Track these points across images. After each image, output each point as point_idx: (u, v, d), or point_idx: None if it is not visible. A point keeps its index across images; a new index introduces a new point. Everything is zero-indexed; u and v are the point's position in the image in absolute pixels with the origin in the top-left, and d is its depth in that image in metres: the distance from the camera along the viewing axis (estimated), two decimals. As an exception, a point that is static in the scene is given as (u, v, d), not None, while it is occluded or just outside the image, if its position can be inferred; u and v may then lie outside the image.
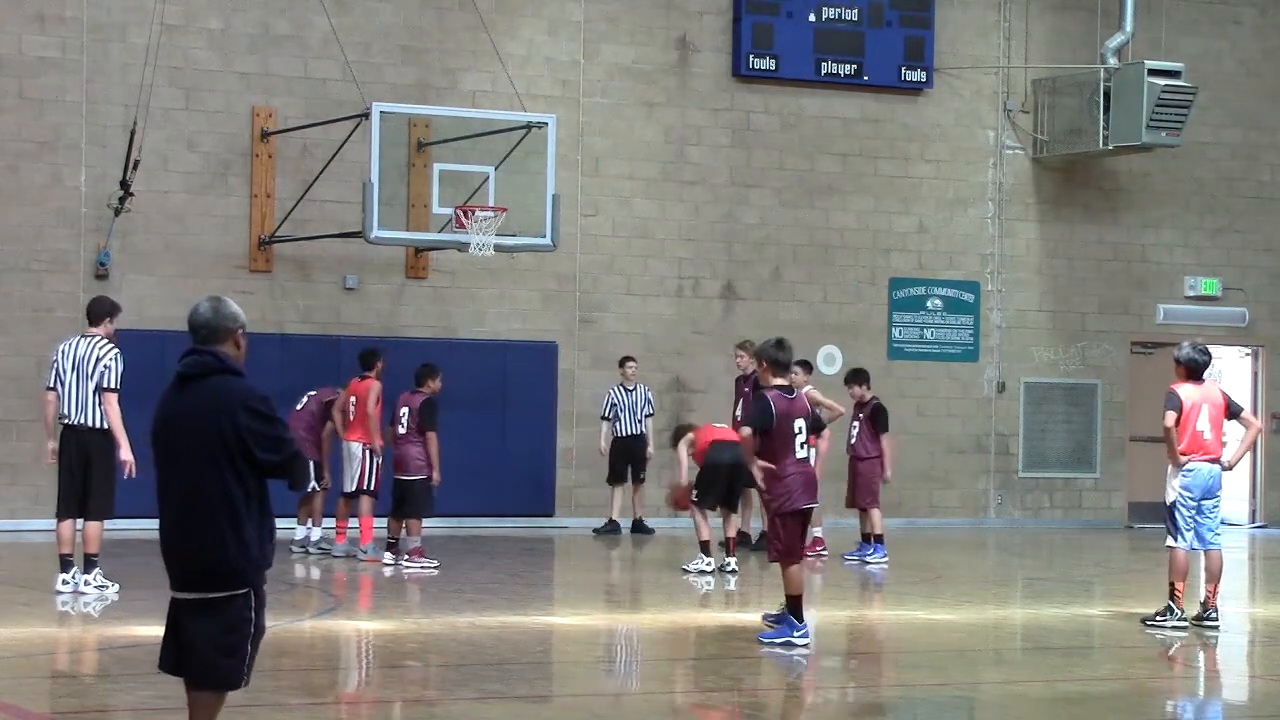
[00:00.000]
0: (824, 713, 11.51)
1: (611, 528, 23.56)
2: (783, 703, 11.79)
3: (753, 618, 14.70)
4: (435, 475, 18.86)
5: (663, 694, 11.97)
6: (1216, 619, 14.70)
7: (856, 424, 20.55)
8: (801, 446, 13.41)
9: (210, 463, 7.65)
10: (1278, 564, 23.84)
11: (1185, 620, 14.58)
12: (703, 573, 18.44)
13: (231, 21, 23.43)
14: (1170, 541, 14.61)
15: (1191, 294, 28.19)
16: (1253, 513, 28.46)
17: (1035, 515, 27.39)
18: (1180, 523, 14.52)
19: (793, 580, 13.34)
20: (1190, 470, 14.48)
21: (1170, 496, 14.58)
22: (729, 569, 18.48)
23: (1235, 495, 28.66)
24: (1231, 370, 28.93)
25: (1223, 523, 15.07)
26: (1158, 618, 14.73)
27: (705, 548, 18.63)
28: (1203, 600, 14.78)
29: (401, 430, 18.90)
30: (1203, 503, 14.57)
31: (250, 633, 7.76)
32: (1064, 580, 19.94)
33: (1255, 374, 28.71)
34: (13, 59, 22.50)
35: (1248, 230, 28.67)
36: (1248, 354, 28.78)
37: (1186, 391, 14.51)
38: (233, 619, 7.71)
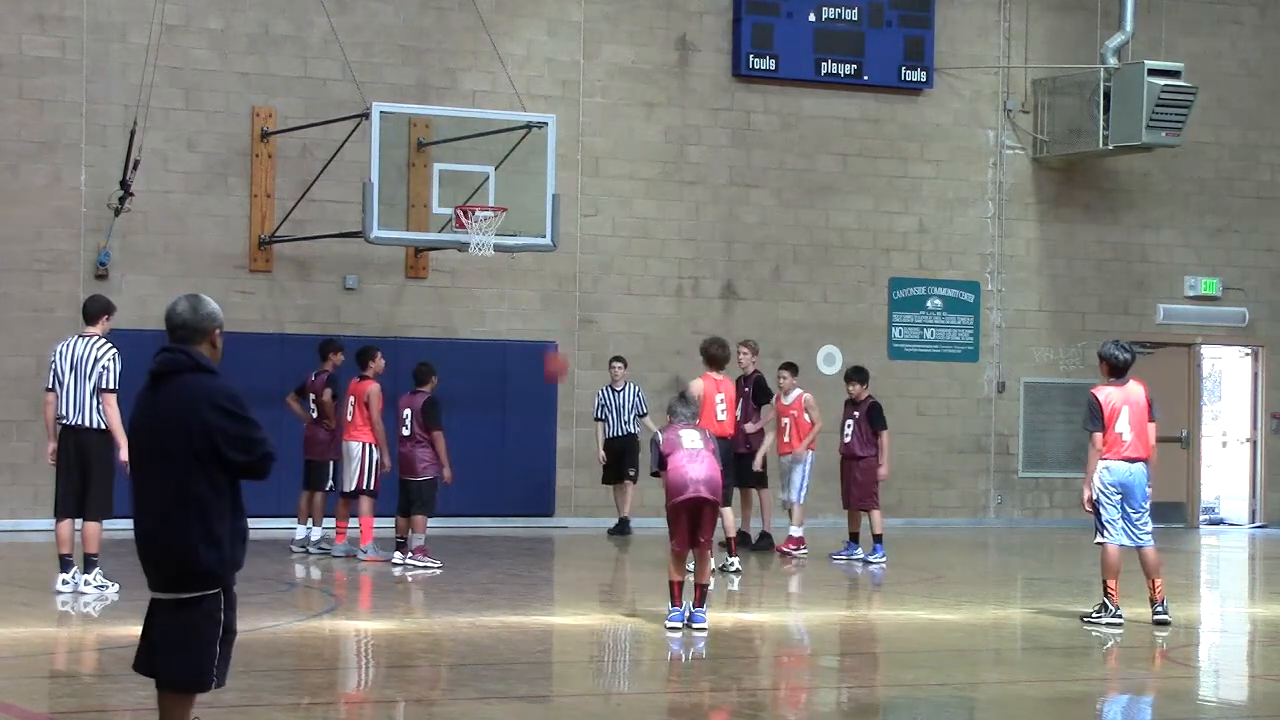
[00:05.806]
0: (824, 713, 11.51)
1: (621, 527, 23.55)
2: (783, 703, 11.78)
3: (753, 618, 14.70)
4: (447, 473, 18.89)
5: (663, 694, 11.96)
6: (1167, 614, 14.76)
7: (851, 423, 20.44)
8: (690, 441, 13.84)
9: (179, 462, 7.55)
10: (1278, 564, 23.83)
11: (1121, 617, 14.63)
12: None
13: (231, 21, 23.43)
14: (1098, 539, 14.74)
15: (1191, 294, 28.18)
16: (1253, 513, 28.44)
17: (1035, 515, 27.38)
18: (1105, 517, 14.63)
19: (671, 565, 13.87)
20: (1109, 468, 14.59)
21: (1093, 494, 14.68)
22: (732, 569, 18.44)
23: (1235, 495, 28.70)
24: (1231, 370, 28.94)
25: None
26: (1094, 615, 14.81)
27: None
28: (1150, 599, 14.87)
29: (405, 432, 18.89)
30: (1129, 501, 14.64)
31: (218, 634, 7.64)
32: (1064, 580, 19.92)
33: (1255, 374, 28.69)
34: (13, 59, 22.50)
35: (1248, 230, 28.67)
36: (1248, 354, 28.76)
37: (1107, 395, 14.65)
38: (200, 620, 7.60)
